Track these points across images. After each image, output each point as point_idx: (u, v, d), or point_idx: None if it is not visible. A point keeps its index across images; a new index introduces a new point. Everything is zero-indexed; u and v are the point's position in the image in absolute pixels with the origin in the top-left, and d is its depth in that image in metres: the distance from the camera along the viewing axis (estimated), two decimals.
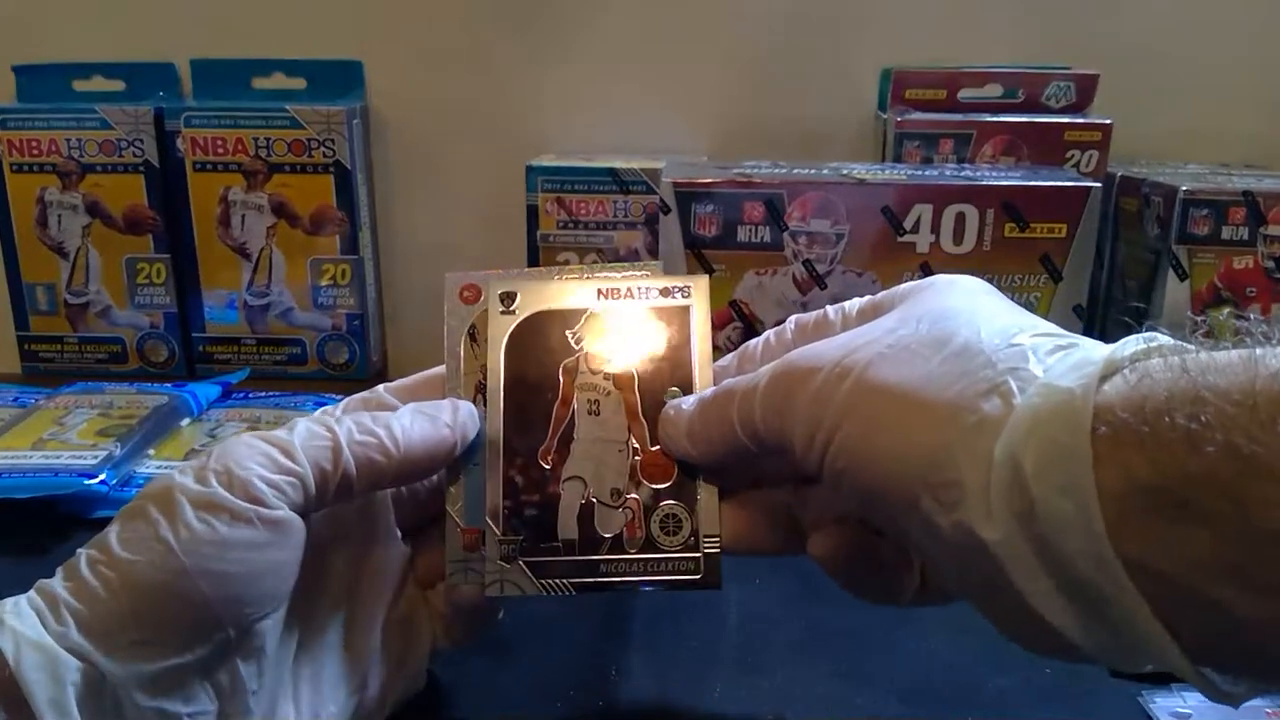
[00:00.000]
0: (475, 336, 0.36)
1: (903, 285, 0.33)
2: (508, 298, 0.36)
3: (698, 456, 0.34)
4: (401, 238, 0.78)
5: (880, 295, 0.33)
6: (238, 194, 0.72)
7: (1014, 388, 0.25)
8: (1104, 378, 0.24)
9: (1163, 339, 0.25)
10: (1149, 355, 0.24)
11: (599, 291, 0.36)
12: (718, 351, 0.36)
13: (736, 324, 0.56)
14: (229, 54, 0.74)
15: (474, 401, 0.35)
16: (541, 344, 0.36)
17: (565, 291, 0.37)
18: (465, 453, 0.35)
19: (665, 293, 0.36)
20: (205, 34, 0.75)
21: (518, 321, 0.36)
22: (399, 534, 0.36)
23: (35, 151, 0.72)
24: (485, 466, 0.35)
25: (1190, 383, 0.22)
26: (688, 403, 0.35)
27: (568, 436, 0.35)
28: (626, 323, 0.36)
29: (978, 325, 0.28)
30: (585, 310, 0.36)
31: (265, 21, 0.75)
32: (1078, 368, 0.25)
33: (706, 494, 0.34)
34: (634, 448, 0.35)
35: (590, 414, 0.35)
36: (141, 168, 0.72)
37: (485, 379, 0.36)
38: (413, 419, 0.33)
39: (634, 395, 0.35)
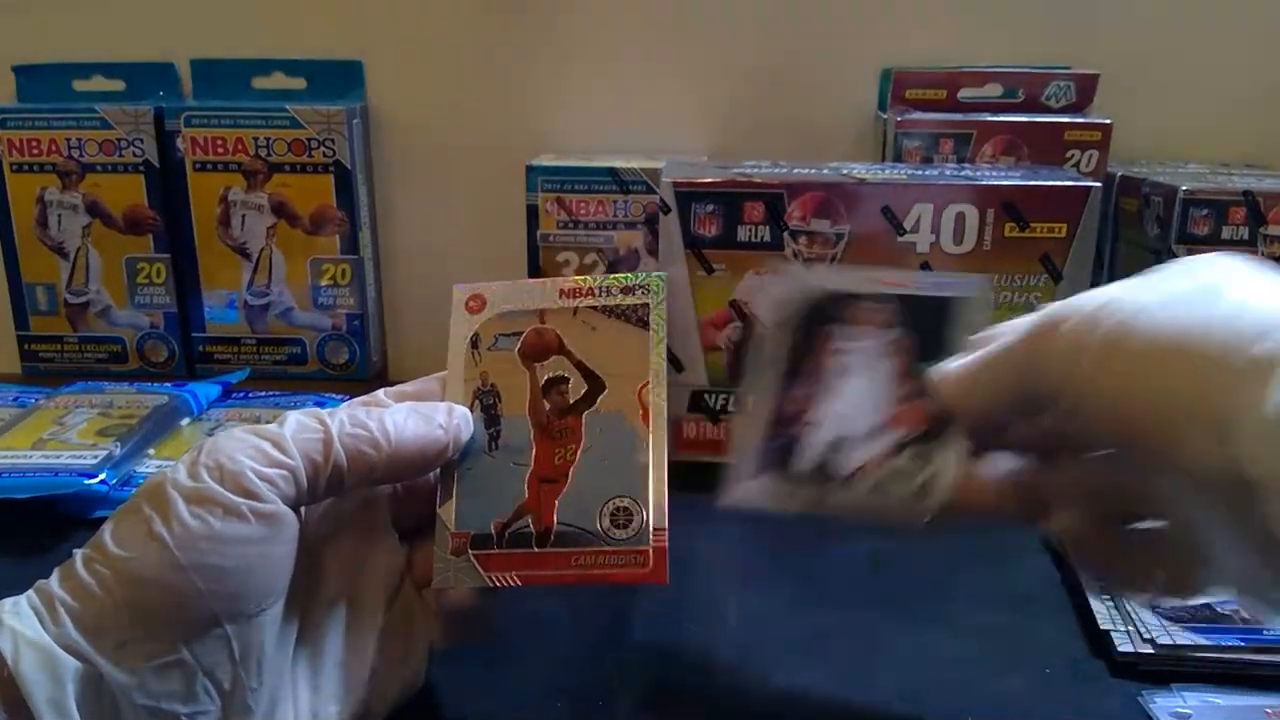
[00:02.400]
0: (477, 345, 0.37)
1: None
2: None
3: (962, 408, 0.34)
4: (401, 238, 0.78)
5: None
6: (238, 194, 0.72)
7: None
8: None
9: None
10: None
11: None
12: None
13: (736, 324, 0.56)
14: (229, 54, 0.74)
15: (471, 408, 0.36)
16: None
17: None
18: (459, 457, 0.35)
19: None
20: (205, 34, 0.75)
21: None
22: (395, 534, 0.36)
23: (35, 151, 0.72)
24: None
25: None
26: (956, 360, 0.35)
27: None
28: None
29: (1245, 287, 0.28)
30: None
31: (265, 21, 0.75)
32: None
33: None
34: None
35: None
36: (141, 168, 0.72)
37: (484, 386, 0.36)
38: (406, 416, 0.33)
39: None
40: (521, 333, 0.37)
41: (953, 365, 0.35)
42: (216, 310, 0.75)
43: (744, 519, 0.54)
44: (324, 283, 0.74)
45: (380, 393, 0.36)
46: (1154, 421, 0.27)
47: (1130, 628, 0.42)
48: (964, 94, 0.70)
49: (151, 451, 0.58)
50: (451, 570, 0.34)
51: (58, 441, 0.57)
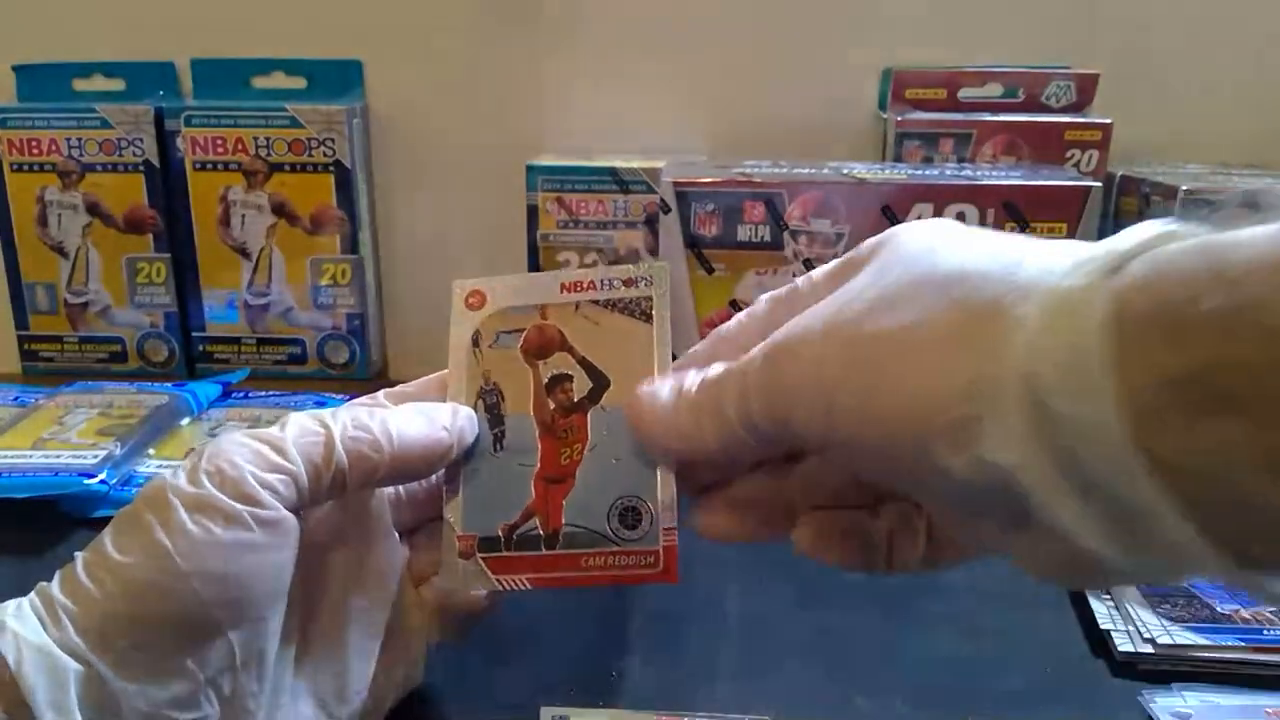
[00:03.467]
0: (479, 343, 0.36)
1: (868, 240, 0.30)
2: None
3: (686, 453, 0.32)
4: (401, 238, 0.78)
5: (847, 255, 0.31)
6: (238, 194, 0.72)
7: (1012, 302, 0.23)
8: (1113, 271, 0.22)
9: (1169, 225, 0.23)
10: (1159, 242, 0.23)
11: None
12: None
13: None
14: (229, 54, 0.74)
15: (475, 408, 0.35)
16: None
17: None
18: (464, 458, 0.35)
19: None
20: (205, 34, 0.75)
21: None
22: (395, 533, 0.36)
23: (35, 151, 0.72)
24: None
25: (1214, 263, 0.20)
26: (664, 393, 0.32)
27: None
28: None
29: (960, 254, 0.26)
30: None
31: (265, 21, 0.75)
32: (1080, 265, 0.23)
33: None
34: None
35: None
36: (141, 167, 0.72)
37: (486, 385, 0.36)
38: (410, 418, 0.33)
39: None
40: (523, 330, 0.36)
41: (663, 398, 0.32)
42: (216, 310, 0.75)
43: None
44: (324, 282, 0.74)
45: (380, 394, 0.36)
46: (898, 441, 0.25)
47: (1130, 627, 0.42)
48: (964, 94, 0.70)
49: (151, 451, 0.58)
50: (460, 573, 0.34)
51: (58, 441, 0.57)
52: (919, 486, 0.27)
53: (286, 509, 0.30)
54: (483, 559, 0.34)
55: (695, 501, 0.34)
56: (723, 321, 0.34)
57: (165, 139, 0.72)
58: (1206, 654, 0.40)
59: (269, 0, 0.74)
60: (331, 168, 0.72)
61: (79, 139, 0.72)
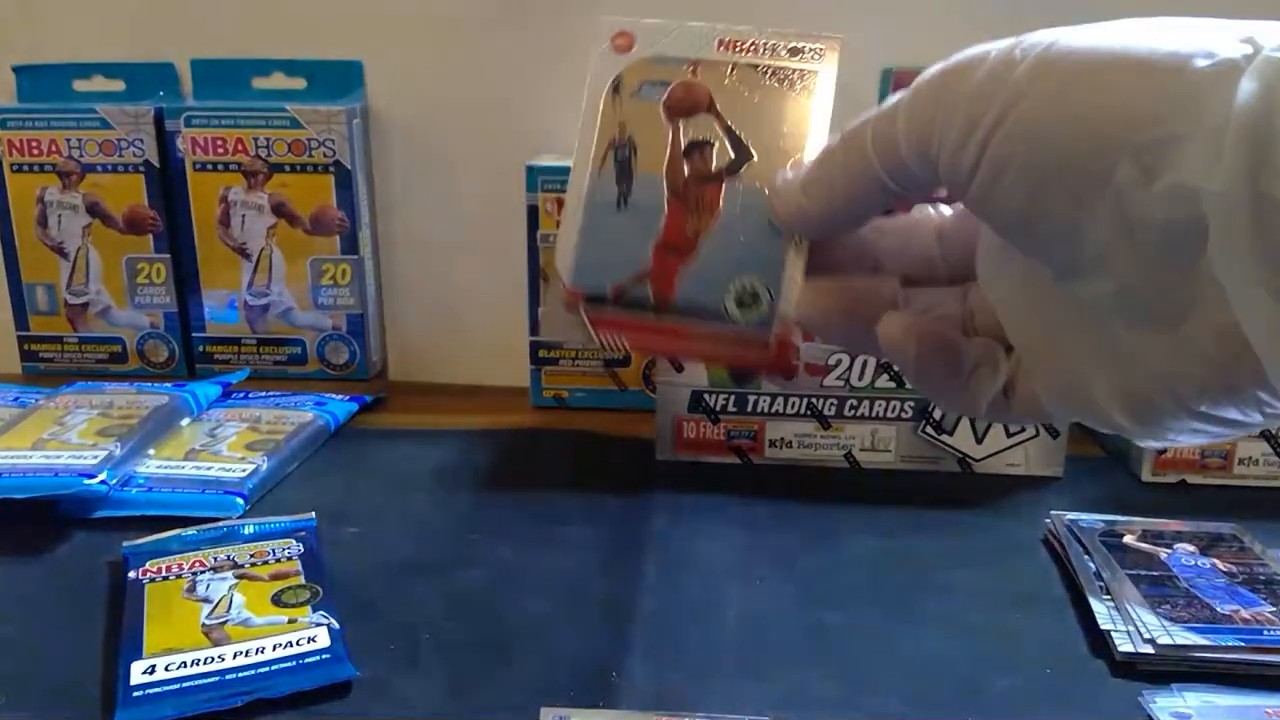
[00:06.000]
0: (619, 89, 0.33)
1: None
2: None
3: (813, 210, 0.30)
4: (401, 238, 0.78)
5: None
6: (238, 194, 0.72)
7: (1257, 36, 0.22)
8: None
9: None
10: None
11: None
12: None
13: None
14: (229, 54, 0.74)
15: (603, 160, 0.33)
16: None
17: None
18: (585, 210, 0.32)
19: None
20: (205, 34, 0.75)
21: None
22: None
23: (35, 151, 0.72)
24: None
25: None
26: (805, 170, 0.30)
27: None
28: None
29: (1175, 21, 0.24)
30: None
31: (265, 21, 0.75)
32: None
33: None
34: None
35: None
36: (141, 168, 0.72)
37: (621, 137, 0.33)
38: None
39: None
40: (669, 83, 0.33)
41: (803, 168, 0.30)
42: (216, 310, 0.75)
43: (744, 519, 0.54)
44: (324, 283, 0.74)
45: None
46: (1081, 147, 0.23)
47: (1130, 627, 0.42)
48: None
49: (152, 452, 0.58)
50: (561, 323, 0.32)
51: (58, 442, 0.57)
52: (1065, 235, 0.24)
53: None
54: (587, 312, 0.32)
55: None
56: None
57: (165, 139, 0.72)
58: (1206, 654, 0.40)
59: (269, 0, 0.74)
60: (331, 168, 0.72)
61: (79, 139, 0.72)
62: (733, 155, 0.32)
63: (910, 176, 0.27)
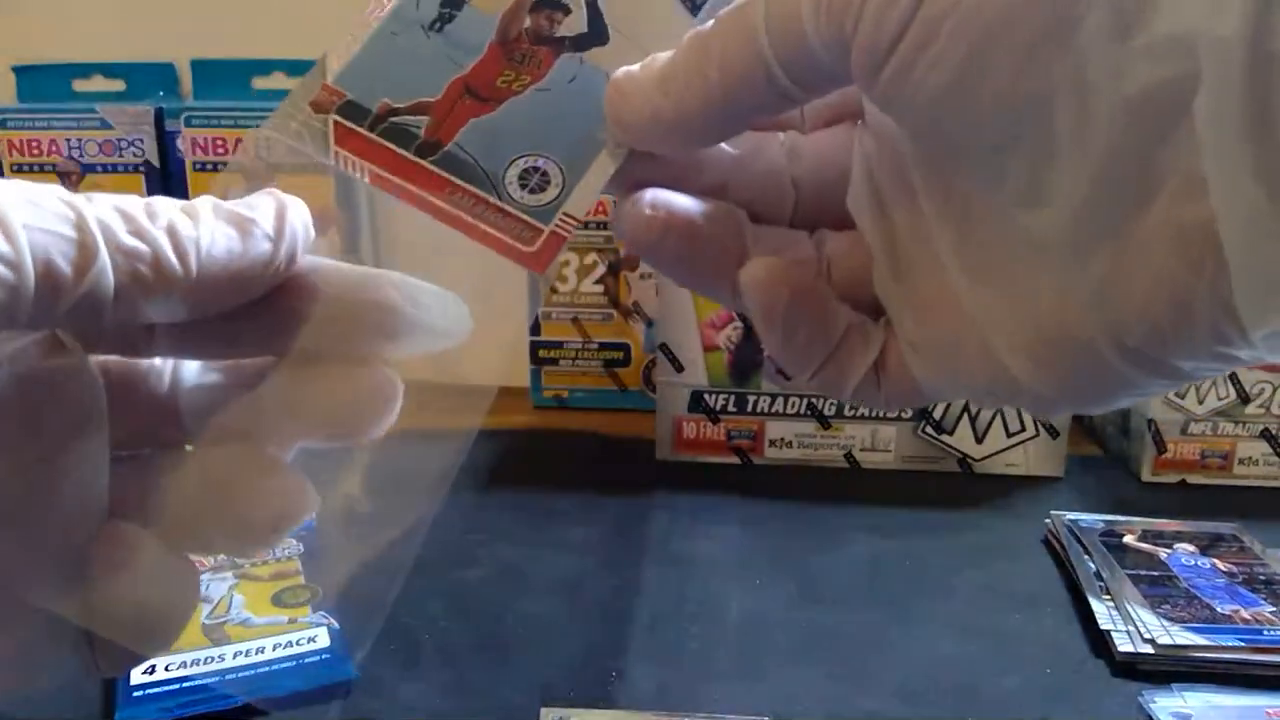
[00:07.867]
0: None
1: None
2: None
3: (669, 113, 0.24)
4: (401, 238, 0.78)
5: None
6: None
7: None
8: None
9: None
10: None
11: None
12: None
13: (737, 324, 0.56)
14: (229, 54, 0.74)
15: None
16: None
17: None
18: (388, 23, 0.28)
19: None
20: (205, 34, 0.75)
21: None
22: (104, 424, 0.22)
23: (35, 151, 0.72)
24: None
25: None
26: (661, 60, 0.25)
27: None
28: None
29: None
30: None
31: (265, 21, 0.75)
32: None
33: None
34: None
35: None
36: (141, 168, 0.72)
37: None
38: (213, 223, 0.23)
39: None
40: None
41: (658, 60, 0.25)
42: None
43: (744, 519, 0.54)
44: None
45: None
46: (1036, 8, 0.18)
47: (1131, 627, 0.42)
48: None
49: None
50: (299, 122, 0.28)
51: None
52: (1003, 117, 0.19)
53: None
54: (335, 120, 0.28)
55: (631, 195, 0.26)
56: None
57: (165, 139, 0.72)
58: (1206, 654, 0.40)
59: (269, 0, 0.74)
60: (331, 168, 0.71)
61: (79, 139, 0.72)
62: (586, 30, 0.28)
63: (810, 66, 0.22)
